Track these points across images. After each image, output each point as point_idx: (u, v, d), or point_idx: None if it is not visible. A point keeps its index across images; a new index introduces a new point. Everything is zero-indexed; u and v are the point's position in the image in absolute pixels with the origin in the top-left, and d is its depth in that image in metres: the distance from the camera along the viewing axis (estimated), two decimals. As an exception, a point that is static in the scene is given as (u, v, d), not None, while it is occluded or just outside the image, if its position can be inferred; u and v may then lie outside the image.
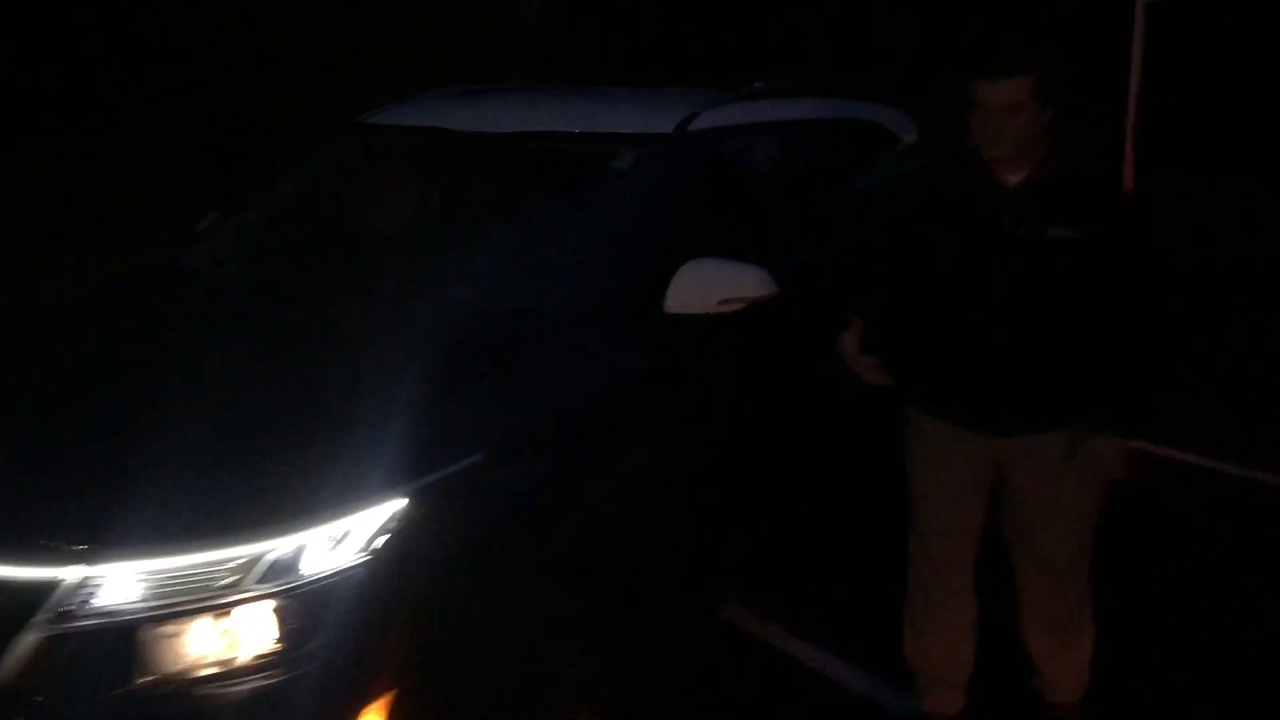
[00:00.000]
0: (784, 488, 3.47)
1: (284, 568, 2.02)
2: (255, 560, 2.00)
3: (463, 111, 3.53)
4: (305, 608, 2.03)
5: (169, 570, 1.97)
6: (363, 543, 2.08)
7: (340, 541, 2.07)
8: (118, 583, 1.96)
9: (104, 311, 3.09)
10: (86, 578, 1.95)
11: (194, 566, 1.98)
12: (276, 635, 2.02)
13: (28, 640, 1.94)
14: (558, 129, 3.25)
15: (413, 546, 2.12)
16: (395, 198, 3.44)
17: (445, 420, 2.30)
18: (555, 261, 2.99)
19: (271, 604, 2.01)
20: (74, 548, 1.97)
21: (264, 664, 2.01)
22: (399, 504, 2.12)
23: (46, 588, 1.96)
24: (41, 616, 1.94)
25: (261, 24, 8.00)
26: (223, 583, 1.99)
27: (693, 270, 2.81)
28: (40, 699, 1.94)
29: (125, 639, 1.96)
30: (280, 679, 2.00)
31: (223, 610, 1.99)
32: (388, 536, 2.09)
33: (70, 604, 1.95)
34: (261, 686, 2.00)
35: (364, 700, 2.06)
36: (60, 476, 2.15)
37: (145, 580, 1.97)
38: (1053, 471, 2.44)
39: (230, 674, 1.99)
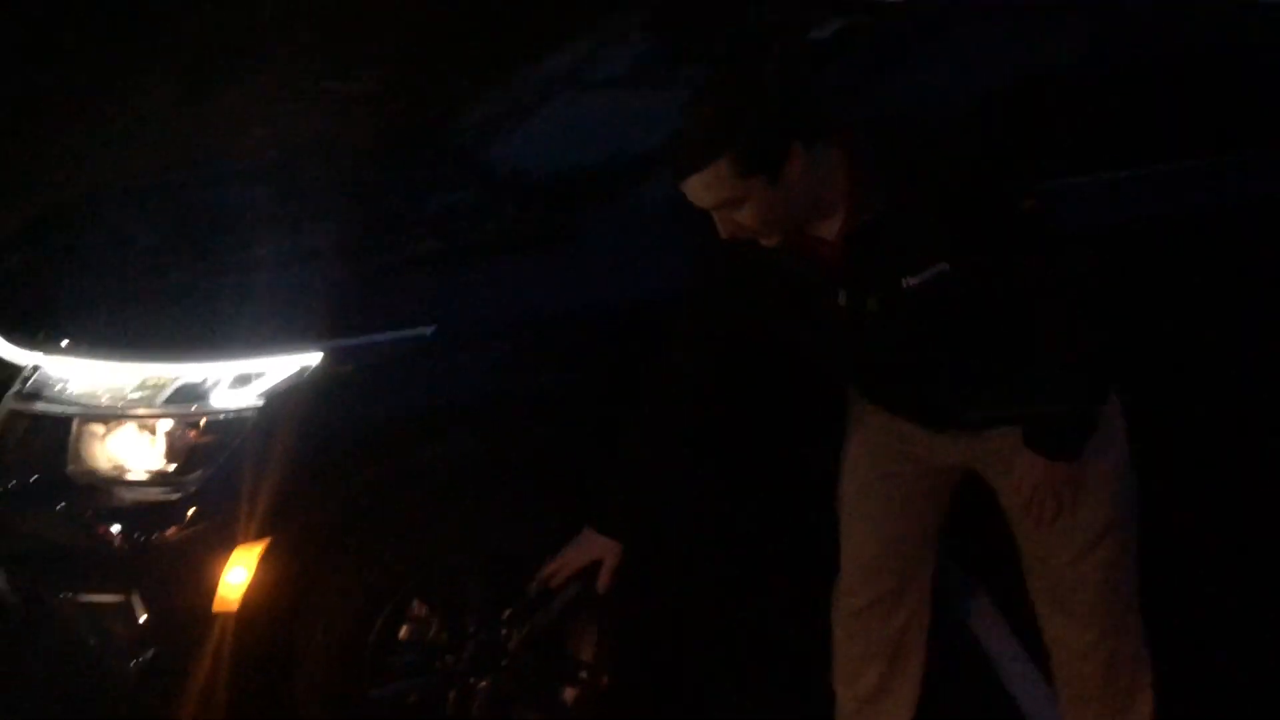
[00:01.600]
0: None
1: (190, 394, 2.11)
2: (167, 382, 2.12)
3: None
4: (201, 436, 2.11)
5: (99, 374, 2.15)
6: (267, 387, 2.10)
7: (248, 382, 2.11)
8: (64, 375, 2.18)
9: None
10: (39, 366, 2.20)
11: (118, 376, 2.14)
12: (171, 456, 2.11)
13: (3, 411, 2.24)
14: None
15: (314, 402, 2.10)
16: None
17: (402, 286, 2.25)
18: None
19: (169, 425, 2.11)
20: (42, 335, 2.22)
21: (156, 479, 2.12)
22: (312, 357, 2.11)
23: (22, 369, 2.24)
24: (11, 392, 2.23)
25: None
26: (135, 396, 2.13)
27: None
28: (6, 463, 2.23)
29: (64, 429, 2.17)
30: (168, 498, 2.10)
31: (133, 421, 2.13)
32: (290, 386, 2.10)
33: (31, 387, 2.20)
34: (152, 500, 2.11)
35: (237, 539, 2.09)
36: (75, 274, 2.44)
37: (82, 379, 2.17)
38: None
39: (130, 481, 2.13)
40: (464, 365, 2.21)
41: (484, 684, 2.38)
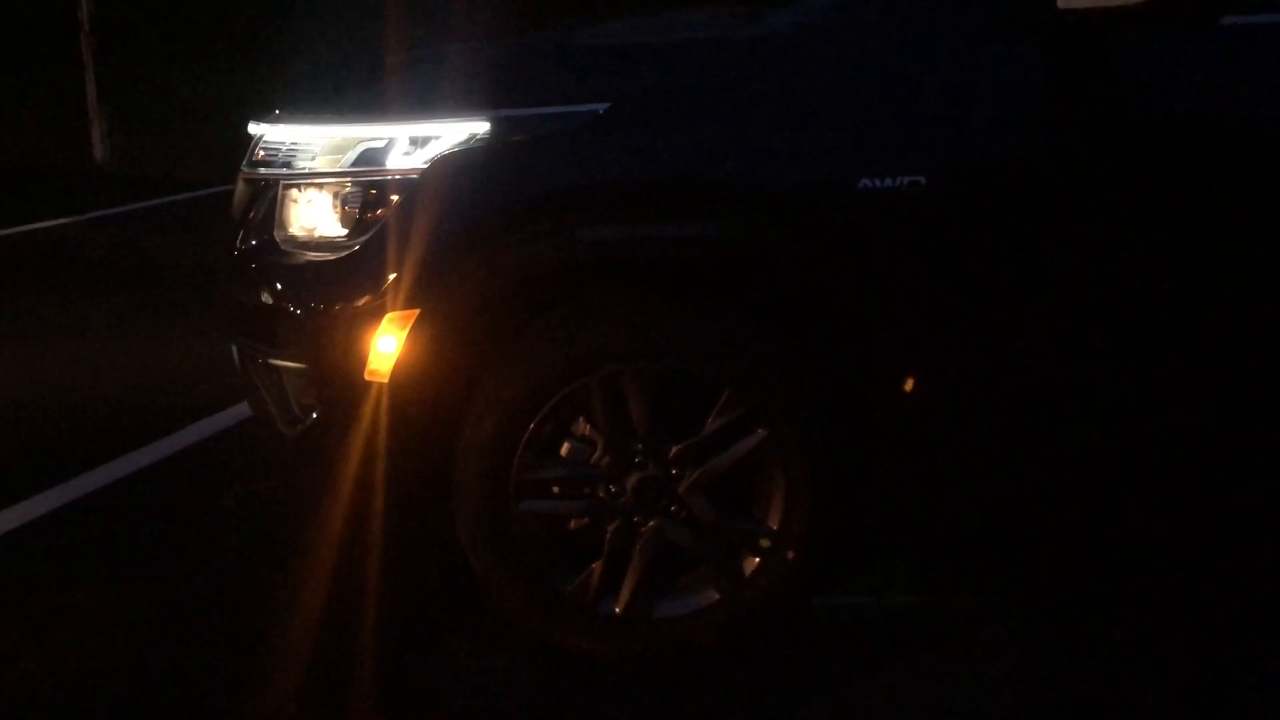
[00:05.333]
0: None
1: (370, 159, 2.07)
2: (352, 144, 2.09)
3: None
4: (372, 200, 2.06)
5: (299, 139, 2.17)
6: (435, 152, 2.00)
7: (419, 146, 2.03)
8: (278, 143, 2.23)
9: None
10: (263, 135, 2.27)
11: (313, 140, 2.14)
12: (345, 220, 2.08)
13: (240, 181, 2.35)
14: None
15: (478, 170, 1.97)
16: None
17: (578, 63, 2.05)
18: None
19: (348, 188, 2.08)
20: (267, 111, 2.29)
21: (332, 243, 2.10)
22: (480, 125, 1.99)
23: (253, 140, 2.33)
24: (244, 161, 2.33)
25: None
26: (324, 159, 2.12)
27: None
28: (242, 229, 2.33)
29: (273, 194, 2.22)
30: (334, 260, 2.07)
31: (321, 185, 2.13)
32: (457, 152, 1.98)
33: (256, 155, 2.29)
34: (324, 263, 2.09)
35: (389, 304, 2.00)
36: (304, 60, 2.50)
37: (287, 145, 2.20)
38: None
39: (314, 243, 2.13)
40: (635, 146, 1.96)
41: (649, 526, 2.12)
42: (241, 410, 3.24)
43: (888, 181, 1.94)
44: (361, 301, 2.04)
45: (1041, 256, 2.02)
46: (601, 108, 1.97)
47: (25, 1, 11.79)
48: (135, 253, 6.18)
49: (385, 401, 2.05)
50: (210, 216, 3.72)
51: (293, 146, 2.18)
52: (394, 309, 2.00)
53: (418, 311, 2.00)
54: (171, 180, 8.22)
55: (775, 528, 2.12)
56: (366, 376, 2.04)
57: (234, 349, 2.38)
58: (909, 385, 2.03)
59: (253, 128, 2.32)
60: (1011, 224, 1.99)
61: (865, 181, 1.95)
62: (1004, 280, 2.02)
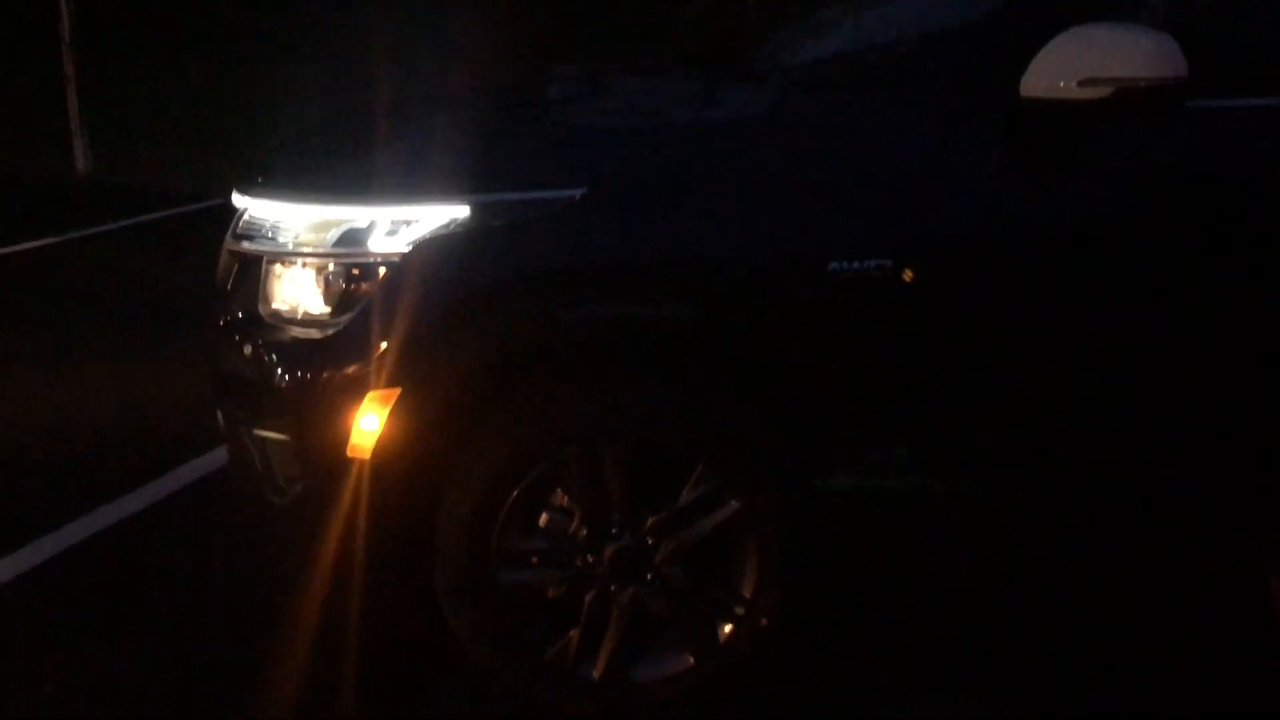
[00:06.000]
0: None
1: (353, 239, 2.11)
2: (335, 225, 2.13)
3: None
4: (355, 280, 2.10)
5: (285, 216, 2.22)
6: (417, 235, 2.05)
7: (401, 229, 2.08)
8: (264, 218, 2.27)
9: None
10: (247, 209, 2.32)
11: (297, 218, 2.19)
12: (329, 298, 2.13)
13: (225, 252, 2.39)
14: None
15: (458, 254, 2.03)
16: None
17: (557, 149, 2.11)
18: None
19: (331, 267, 2.13)
20: (249, 184, 2.34)
21: (316, 320, 2.14)
22: (461, 209, 2.04)
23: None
24: (229, 233, 2.37)
25: None
26: (308, 237, 2.17)
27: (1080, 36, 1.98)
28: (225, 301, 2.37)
29: (258, 269, 2.27)
30: (318, 338, 2.12)
31: (305, 263, 2.17)
32: (436, 236, 2.03)
33: (241, 229, 2.33)
34: (308, 340, 2.14)
35: (371, 383, 2.06)
36: (289, 138, 2.55)
37: (272, 221, 2.24)
38: None
39: (297, 321, 2.17)
40: (616, 230, 2.02)
41: (626, 594, 2.18)
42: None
43: (855, 264, 2.01)
44: (344, 379, 2.08)
45: (1005, 335, 2.09)
46: (579, 192, 2.03)
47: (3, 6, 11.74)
48: (122, 275, 6.02)
49: (368, 478, 2.11)
50: (203, 234, 3.53)
51: (276, 223, 2.22)
52: (377, 387, 2.06)
53: (399, 390, 2.05)
54: (160, 194, 8.12)
55: (749, 595, 2.18)
56: (349, 453, 2.10)
57: (219, 415, 2.42)
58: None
59: (236, 199, 2.36)
60: (977, 304, 2.06)
61: (834, 264, 2.01)
62: (968, 356, 2.08)
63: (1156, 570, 2.63)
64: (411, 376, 2.04)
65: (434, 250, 2.04)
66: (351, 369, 2.07)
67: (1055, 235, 2.06)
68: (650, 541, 2.16)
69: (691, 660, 2.22)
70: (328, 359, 2.10)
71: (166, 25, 12.81)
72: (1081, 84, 1.96)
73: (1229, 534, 2.29)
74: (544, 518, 2.18)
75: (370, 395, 2.06)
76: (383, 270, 2.07)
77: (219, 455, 3.40)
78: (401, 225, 2.08)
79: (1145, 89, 1.93)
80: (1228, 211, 2.08)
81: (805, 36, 2.90)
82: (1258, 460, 2.17)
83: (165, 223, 7.49)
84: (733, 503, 2.13)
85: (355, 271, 2.11)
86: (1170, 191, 2.07)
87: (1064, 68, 1.97)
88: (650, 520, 2.14)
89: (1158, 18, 2.15)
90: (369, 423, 2.07)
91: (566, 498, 2.17)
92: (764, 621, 2.19)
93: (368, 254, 2.09)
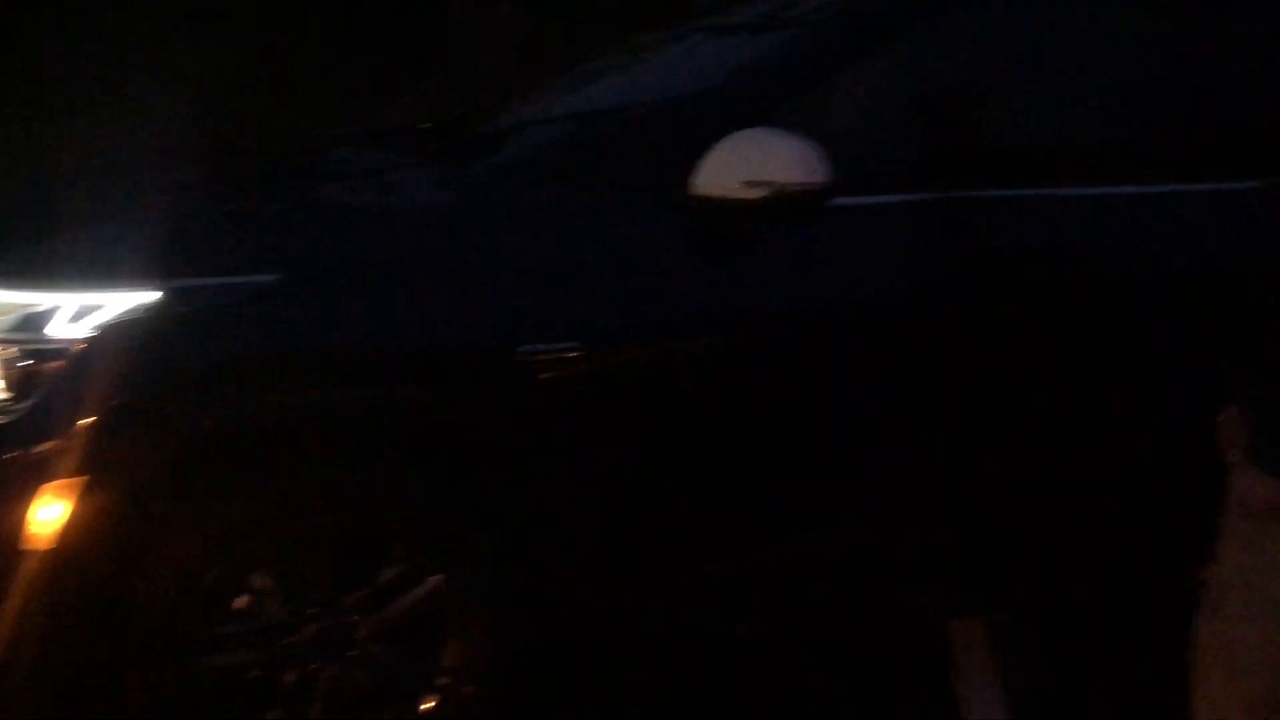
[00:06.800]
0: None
1: (32, 324, 2.07)
2: (14, 309, 2.09)
3: None
4: (35, 366, 2.06)
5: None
6: (100, 321, 2.04)
7: (84, 315, 2.05)
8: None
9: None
10: None
11: None
12: (8, 384, 2.07)
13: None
14: None
15: (144, 341, 2.02)
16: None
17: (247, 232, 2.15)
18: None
19: (10, 353, 2.07)
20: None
21: (-9, 405, 2.08)
22: (149, 295, 2.04)
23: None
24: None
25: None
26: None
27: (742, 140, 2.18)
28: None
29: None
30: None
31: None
32: (122, 322, 2.02)
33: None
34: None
35: (53, 473, 2.01)
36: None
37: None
38: None
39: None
40: (308, 316, 2.08)
41: (327, 672, 2.20)
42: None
43: (541, 346, 2.14)
44: (23, 466, 2.03)
45: (688, 416, 2.27)
46: (273, 278, 2.07)
47: None
48: None
49: (45, 569, 2.04)
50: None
51: None
52: (60, 475, 2.01)
53: (85, 478, 2.01)
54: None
55: (451, 665, 2.25)
56: (26, 544, 2.03)
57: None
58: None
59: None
60: (652, 388, 2.23)
61: (524, 347, 2.13)
62: (647, 435, 2.25)
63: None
64: (99, 464, 2.01)
65: (122, 335, 2.02)
66: (31, 456, 2.02)
67: (725, 326, 2.26)
68: (353, 619, 2.19)
69: (396, 731, 2.25)
70: (5, 447, 2.04)
71: None
72: (745, 185, 2.17)
73: (916, 582, 2.52)
74: (244, 599, 2.17)
75: (53, 484, 2.01)
76: (66, 356, 2.03)
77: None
78: (86, 311, 2.05)
79: (794, 191, 2.16)
80: (871, 302, 2.34)
81: (546, 99, 3.05)
82: (939, 517, 2.41)
83: None
84: (432, 577, 2.19)
85: (36, 355, 2.06)
86: (814, 285, 2.31)
87: (730, 169, 2.18)
88: (350, 598, 2.18)
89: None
90: (49, 512, 2.02)
91: (268, 580, 2.17)
92: (467, 692, 2.26)
93: (49, 341, 2.05)
